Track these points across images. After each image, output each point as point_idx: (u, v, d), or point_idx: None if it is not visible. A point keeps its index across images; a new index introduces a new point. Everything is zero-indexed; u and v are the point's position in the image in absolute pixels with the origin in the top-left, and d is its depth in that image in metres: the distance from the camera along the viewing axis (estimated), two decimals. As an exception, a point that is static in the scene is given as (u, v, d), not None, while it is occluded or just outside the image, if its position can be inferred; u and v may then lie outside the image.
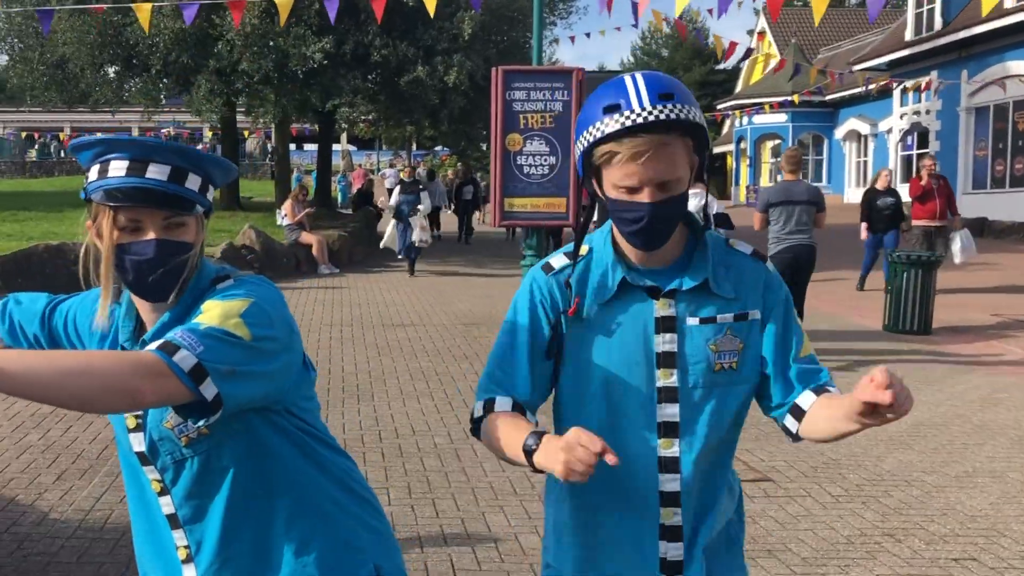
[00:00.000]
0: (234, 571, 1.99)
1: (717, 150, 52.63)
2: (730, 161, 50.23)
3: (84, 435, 6.91)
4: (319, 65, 17.79)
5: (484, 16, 19.47)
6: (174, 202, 1.85)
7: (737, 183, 45.50)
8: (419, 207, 16.42)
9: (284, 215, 18.25)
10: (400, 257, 17.63)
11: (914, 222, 14.87)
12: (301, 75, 18.63)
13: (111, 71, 21.12)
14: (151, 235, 1.85)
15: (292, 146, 60.42)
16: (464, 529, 5.26)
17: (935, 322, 12.03)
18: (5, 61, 22.27)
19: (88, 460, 6.36)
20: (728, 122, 50.65)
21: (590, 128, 1.96)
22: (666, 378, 2.02)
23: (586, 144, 1.97)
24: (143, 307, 1.97)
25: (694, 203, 11.17)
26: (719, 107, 48.48)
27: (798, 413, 2.04)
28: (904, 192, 15.93)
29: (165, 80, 21.02)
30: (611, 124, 1.91)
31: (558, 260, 2.13)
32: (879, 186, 15.22)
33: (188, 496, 1.96)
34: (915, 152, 34.64)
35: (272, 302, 1.90)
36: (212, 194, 1.99)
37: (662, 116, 1.88)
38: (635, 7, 11.58)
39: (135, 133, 56.95)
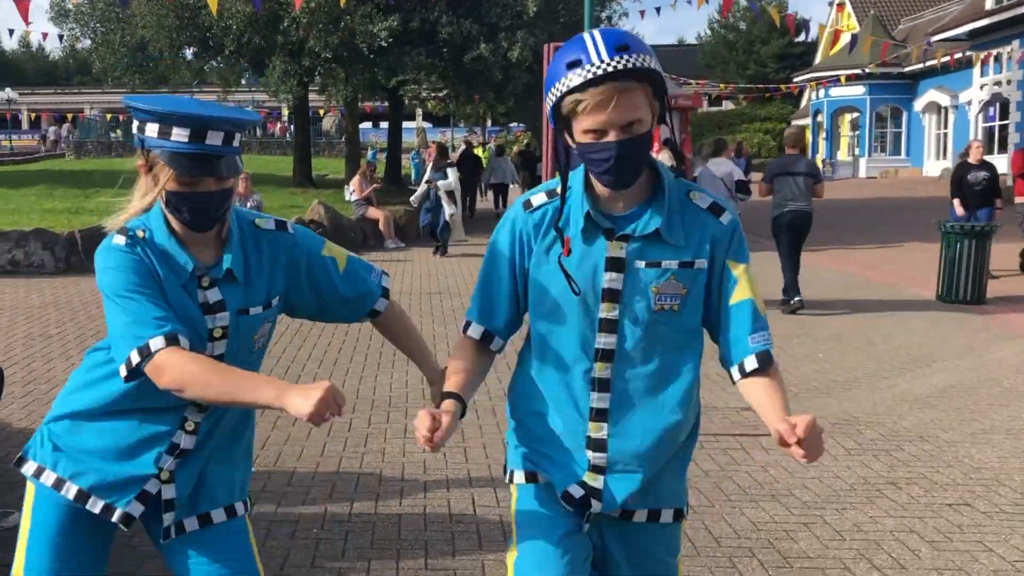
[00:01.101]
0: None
1: (795, 123, 52.08)
2: (807, 134, 49.73)
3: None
4: (385, 43, 18.26)
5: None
6: (230, 165, 2.32)
7: (814, 156, 45.15)
8: (438, 183, 16.76)
9: (352, 191, 18.80)
10: (424, 234, 17.91)
11: (1017, 199, 13.99)
12: (368, 53, 19.09)
13: (189, 53, 21.86)
14: (211, 187, 2.31)
15: (368, 124, 61.24)
16: (489, 473, 5.67)
17: (992, 292, 12.06)
18: (89, 44, 23.19)
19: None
20: (805, 95, 50.12)
21: (556, 84, 2.20)
22: (608, 311, 2.30)
23: (555, 98, 2.24)
24: (190, 241, 2.40)
25: (721, 170, 11.47)
26: (796, 79, 47.96)
27: (742, 371, 2.33)
28: (1001, 164, 15.19)
29: (240, 60, 21.70)
30: (575, 78, 2.15)
31: (538, 198, 2.40)
32: (971, 159, 13.84)
33: None
34: (997, 123, 34.06)
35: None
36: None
37: (619, 66, 2.12)
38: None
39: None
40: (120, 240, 2.35)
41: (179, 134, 2.25)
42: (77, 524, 2.46)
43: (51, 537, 2.44)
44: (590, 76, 2.13)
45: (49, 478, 2.44)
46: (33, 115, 65.26)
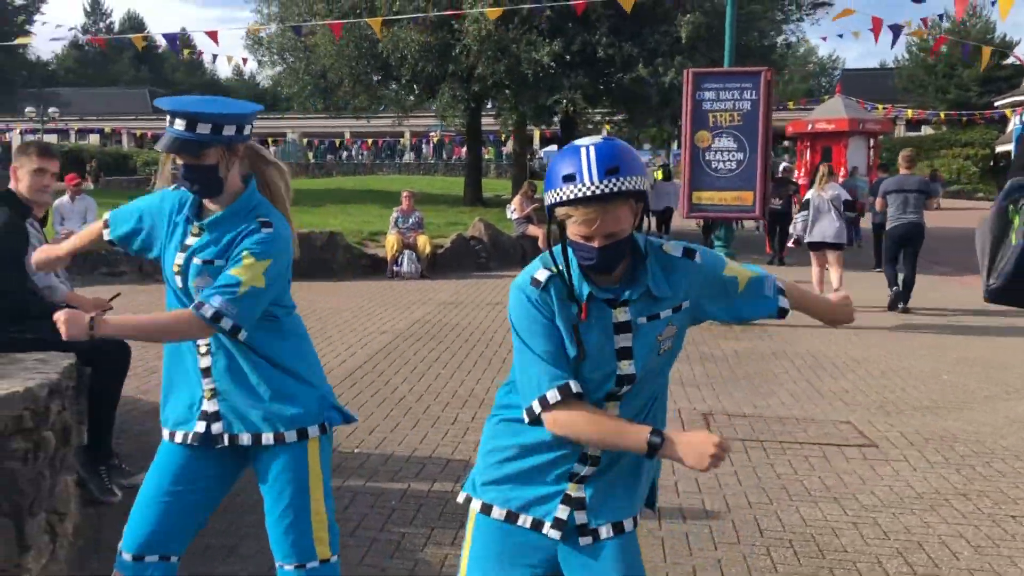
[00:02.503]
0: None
1: (998, 149, 50.04)
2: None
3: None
4: (547, 68, 18.95)
5: (710, 19, 20.02)
6: (187, 145, 2.99)
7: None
8: None
9: (513, 209, 19.49)
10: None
11: None
12: (531, 78, 19.81)
13: (372, 79, 23.09)
14: (183, 163, 3.04)
15: (553, 147, 62.17)
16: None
17: None
18: (279, 72, 24.87)
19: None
20: (1012, 120, 48.00)
21: (552, 191, 2.46)
22: (625, 368, 2.60)
23: (551, 201, 2.56)
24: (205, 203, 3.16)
25: (829, 194, 11.63)
26: (997, 103, 46.06)
27: (783, 313, 2.79)
28: None
29: (415, 88, 22.81)
30: (567, 192, 2.42)
31: (541, 274, 2.61)
32: None
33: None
34: None
35: (281, 255, 3.11)
36: (235, 130, 3.04)
37: (607, 189, 2.40)
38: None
39: (406, 139, 61.05)
40: None
41: (168, 123, 3.01)
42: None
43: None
44: (579, 195, 2.41)
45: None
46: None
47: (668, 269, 2.65)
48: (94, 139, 65.72)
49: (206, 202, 3.13)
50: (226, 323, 2.96)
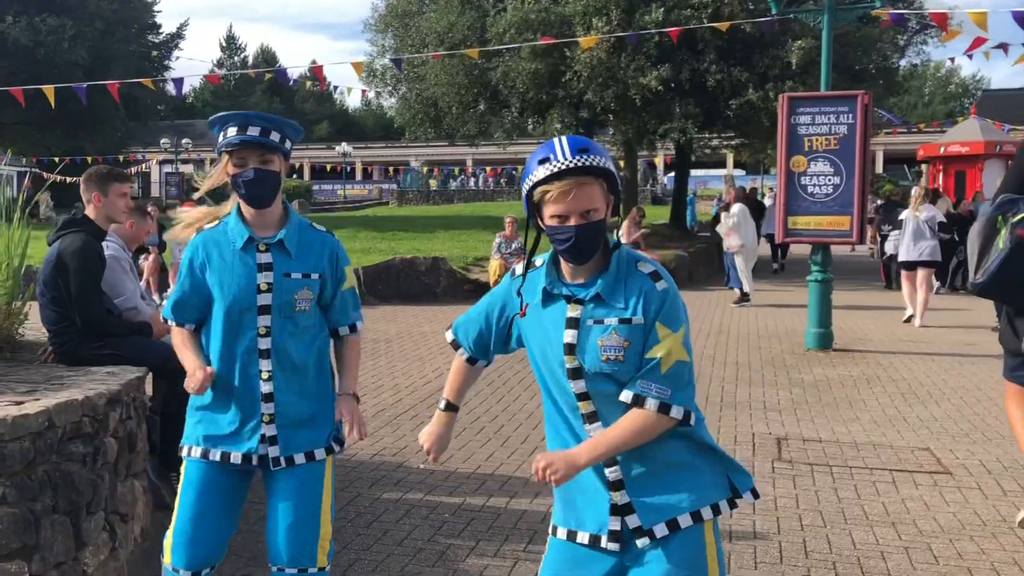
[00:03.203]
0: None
1: None
2: None
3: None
4: (654, 93, 19.03)
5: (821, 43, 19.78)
6: (263, 147, 3.29)
7: None
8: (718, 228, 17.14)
9: (620, 235, 19.57)
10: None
11: None
12: (638, 103, 19.91)
13: (481, 107, 23.53)
14: (252, 166, 3.31)
15: (689, 172, 62.02)
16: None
17: None
18: (394, 101, 25.57)
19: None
20: None
21: (530, 176, 2.70)
22: (571, 362, 2.74)
23: (528, 187, 2.81)
24: (254, 222, 3.39)
25: (925, 215, 11.40)
26: None
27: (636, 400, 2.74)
28: None
29: (525, 115, 23.14)
30: (543, 171, 2.65)
31: (520, 268, 2.94)
32: None
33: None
34: None
35: None
36: (290, 146, 3.43)
37: (580, 163, 2.62)
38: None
39: (535, 164, 61.44)
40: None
41: (231, 131, 3.32)
42: None
43: None
44: (555, 170, 2.64)
45: None
46: (368, 167, 71.25)
47: (630, 282, 2.75)
48: (229, 169, 68.08)
49: (255, 220, 3.39)
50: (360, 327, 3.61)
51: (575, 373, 2.74)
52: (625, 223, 19.97)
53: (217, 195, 3.90)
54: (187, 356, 3.39)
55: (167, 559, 3.37)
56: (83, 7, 34.13)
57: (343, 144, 63.70)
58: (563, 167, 2.63)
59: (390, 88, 24.94)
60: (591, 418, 2.77)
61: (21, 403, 3.83)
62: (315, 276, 3.40)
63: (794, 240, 12.66)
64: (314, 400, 3.43)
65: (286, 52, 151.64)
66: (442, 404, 3.11)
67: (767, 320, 14.49)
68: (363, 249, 19.24)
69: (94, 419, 4.10)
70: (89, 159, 26.52)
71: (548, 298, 2.80)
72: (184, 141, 51.96)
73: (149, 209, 9.30)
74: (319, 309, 3.46)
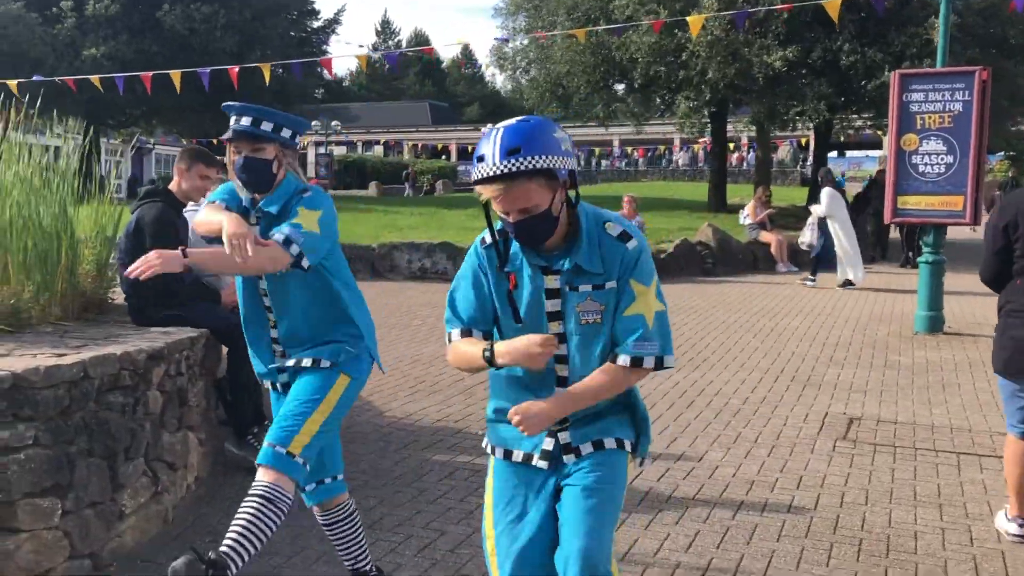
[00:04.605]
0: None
1: None
2: None
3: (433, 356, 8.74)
4: (781, 73, 18.66)
5: (966, 18, 19.07)
6: (250, 136, 3.58)
7: None
8: (811, 207, 16.82)
9: (747, 215, 19.34)
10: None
11: None
12: (763, 82, 19.57)
13: (606, 83, 23.51)
14: (243, 154, 3.61)
15: (833, 152, 60.46)
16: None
17: None
18: (523, 83, 25.77)
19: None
20: None
21: (472, 170, 2.77)
22: (556, 328, 2.90)
23: (471, 181, 2.91)
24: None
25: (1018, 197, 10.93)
26: None
27: (612, 360, 2.88)
28: None
29: (650, 91, 22.99)
30: (477, 172, 2.71)
31: (488, 237, 2.96)
32: None
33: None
34: None
35: (329, 209, 3.70)
36: (290, 135, 3.67)
37: (506, 169, 2.65)
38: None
39: (676, 144, 61.12)
40: None
41: (232, 121, 3.64)
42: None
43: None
44: (483, 175, 2.70)
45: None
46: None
47: (601, 246, 2.86)
48: (378, 150, 69.83)
49: (257, 199, 3.73)
50: (294, 249, 3.55)
51: (559, 339, 2.88)
52: (752, 202, 19.74)
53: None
54: (220, 215, 3.61)
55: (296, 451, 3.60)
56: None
57: (489, 125, 64.01)
58: (492, 172, 2.67)
59: (521, 69, 25.19)
60: (560, 382, 2.94)
61: (63, 355, 4.18)
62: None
63: (901, 221, 12.32)
64: (315, 329, 3.75)
65: (438, 35, 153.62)
66: (485, 352, 2.89)
67: (882, 304, 14.11)
68: (482, 227, 19.52)
69: (134, 372, 4.43)
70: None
71: (531, 271, 2.90)
72: (334, 123, 53.41)
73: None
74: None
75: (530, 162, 2.66)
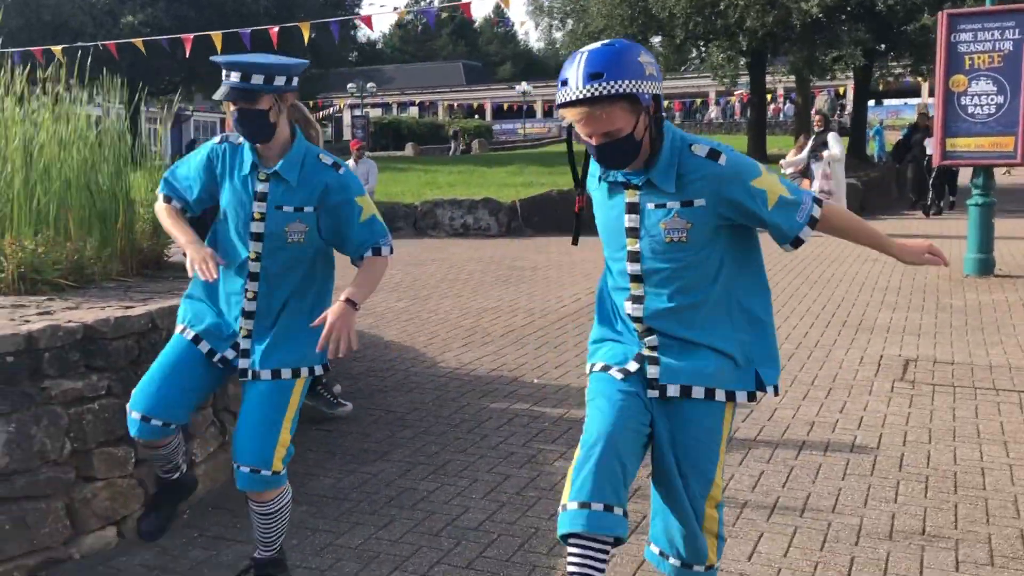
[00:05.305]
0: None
1: None
2: None
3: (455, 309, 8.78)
4: (817, 19, 18.39)
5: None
6: (242, 93, 3.33)
7: None
8: (824, 152, 16.61)
9: (787, 164, 19.13)
10: None
11: None
12: (800, 29, 19.29)
13: (643, 37, 23.26)
14: (238, 107, 3.36)
15: (872, 101, 59.70)
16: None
17: None
18: (560, 36, 25.59)
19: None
20: None
21: (557, 93, 2.75)
22: (632, 245, 2.90)
23: (555, 105, 2.98)
24: (261, 151, 3.46)
25: None
26: None
27: (796, 243, 2.90)
28: None
29: (687, 45, 22.75)
30: (560, 96, 2.71)
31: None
32: None
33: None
34: None
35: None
36: (284, 80, 3.37)
37: (589, 94, 2.65)
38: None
39: (712, 97, 60.23)
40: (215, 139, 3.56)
41: (224, 76, 3.35)
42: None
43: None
44: (567, 100, 2.69)
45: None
46: (547, 105, 71.50)
47: (685, 166, 2.83)
48: (413, 111, 69.74)
49: (262, 151, 3.45)
50: (386, 251, 3.49)
51: (633, 256, 2.88)
52: (791, 152, 19.50)
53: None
54: (180, 229, 3.50)
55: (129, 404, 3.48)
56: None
57: (523, 84, 64.13)
58: (575, 96, 2.68)
59: (557, 22, 25.00)
60: (637, 300, 2.92)
61: (130, 307, 4.23)
62: (309, 210, 3.44)
63: (952, 163, 12.13)
64: (294, 326, 3.50)
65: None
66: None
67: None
68: (525, 183, 19.50)
69: (199, 324, 4.47)
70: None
71: (610, 187, 2.91)
72: (369, 85, 53.39)
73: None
74: (321, 241, 3.50)
75: (613, 87, 2.65)
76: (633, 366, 2.94)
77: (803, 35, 19.73)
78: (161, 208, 3.61)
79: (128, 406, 3.48)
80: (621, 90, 2.67)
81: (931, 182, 18.79)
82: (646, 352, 2.93)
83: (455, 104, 71.90)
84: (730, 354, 2.95)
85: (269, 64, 3.38)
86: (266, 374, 3.48)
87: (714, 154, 2.83)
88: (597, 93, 2.65)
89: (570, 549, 2.75)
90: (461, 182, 20.95)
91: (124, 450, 4.05)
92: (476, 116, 68.06)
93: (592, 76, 2.65)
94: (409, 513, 4.39)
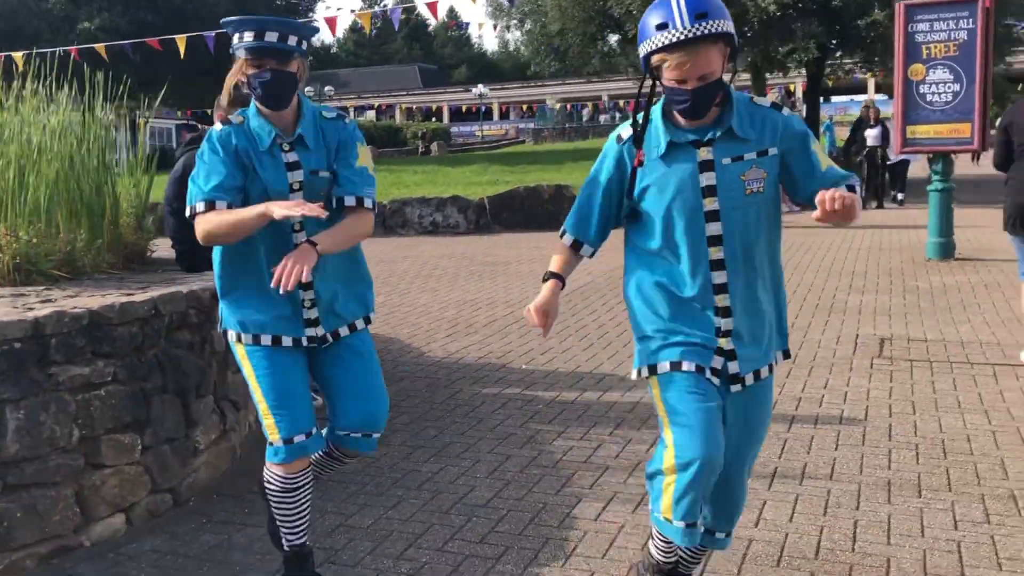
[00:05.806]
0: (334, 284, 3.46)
1: None
2: None
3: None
4: (772, 16, 18.63)
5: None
6: (280, 51, 3.23)
7: None
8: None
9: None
10: None
11: None
12: (758, 26, 19.53)
13: (600, 38, 23.38)
14: (269, 69, 3.23)
15: (820, 99, 60.40)
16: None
17: None
18: (518, 37, 25.69)
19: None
20: None
21: (646, 41, 2.68)
22: (711, 204, 2.82)
23: (645, 52, 2.72)
24: (273, 120, 3.34)
25: None
26: None
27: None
28: None
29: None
30: (661, 39, 2.63)
31: (625, 132, 2.91)
32: None
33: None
34: None
35: None
36: (306, 45, 3.31)
37: (698, 32, 2.60)
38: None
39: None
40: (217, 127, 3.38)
41: (248, 36, 3.21)
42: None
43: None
44: (673, 40, 2.62)
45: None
46: (503, 107, 71.68)
47: (755, 115, 2.84)
48: (370, 115, 69.52)
49: (276, 119, 3.33)
50: (368, 203, 3.32)
51: (712, 216, 2.82)
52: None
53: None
54: (243, 209, 3.22)
55: (274, 437, 3.32)
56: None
57: (479, 86, 64.27)
58: (682, 37, 2.62)
59: (515, 23, 25.07)
60: (718, 265, 2.86)
61: (132, 295, 4.24)
62: (325, 173, 3.36)
63: (912, 151, 12.36)
64: (346, 281, 3.46)
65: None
66: (546, 275, 3.03)
67: (886, 237, 14.19)
68: (490, 181, 19.58)
69: (200, 311, 4.49)
70: (239, 110, 27.38)
71: (673, 148, 2.84)
72: (327, 89, 53.20)
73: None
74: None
75: (717, 25, 2.64)
76: (718, 361, 2.92)
77: (761, 32, 19.95)
78: (211, 217, 3.19)
79: (280, 437, 3.31)
80: (724, 29, 2.65)
81: (880, 172, 18.92)
82: (722, 342, 2.91)
83: (413, 107, 71.78)
84: (771, 316, 3.00)
85: (300, 25, 3.33)
86: (344, 330, 3.44)
87: (777, 106, 2.88)
88: (707, 31, 2.62)
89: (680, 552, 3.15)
90: (427, 181, 20.98)
91: (131, 437, 4.05)
92: (434, 119, 68.01)
93: (699, 16, 2.62)
94: (416, 493, 4.43)
